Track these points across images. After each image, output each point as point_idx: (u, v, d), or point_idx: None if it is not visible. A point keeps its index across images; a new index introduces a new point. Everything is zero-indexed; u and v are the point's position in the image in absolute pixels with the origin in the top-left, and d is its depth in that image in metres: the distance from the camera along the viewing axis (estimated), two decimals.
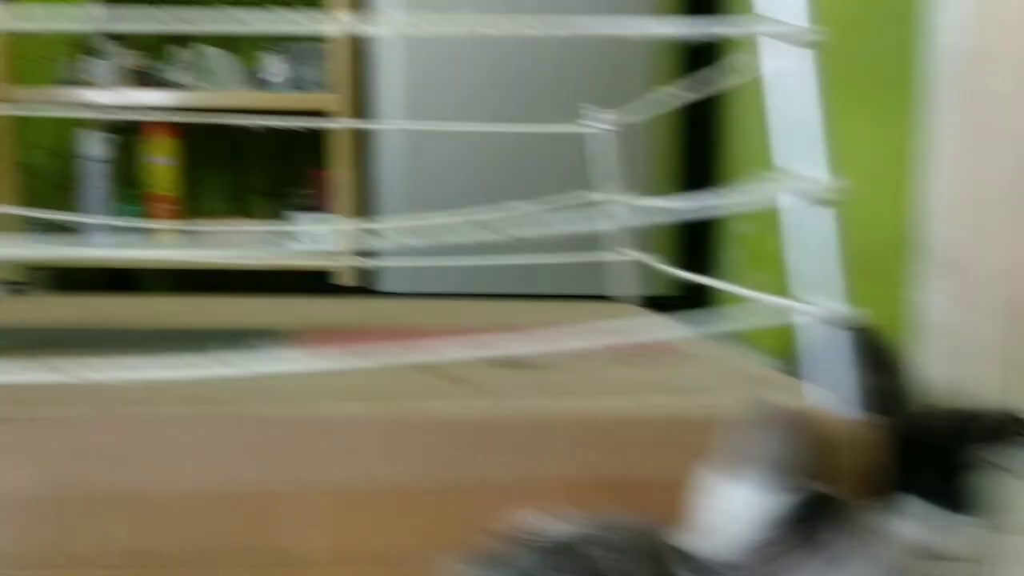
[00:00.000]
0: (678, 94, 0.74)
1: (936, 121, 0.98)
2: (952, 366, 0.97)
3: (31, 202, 1.79)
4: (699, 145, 1.83)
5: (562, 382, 0.56)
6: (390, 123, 1.65)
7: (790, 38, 0.49)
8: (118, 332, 0.77)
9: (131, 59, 1.82)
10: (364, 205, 1.90)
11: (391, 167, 1.69)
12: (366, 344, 0.67)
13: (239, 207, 2.30)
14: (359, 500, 0.45)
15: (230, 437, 0.45)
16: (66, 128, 2.14)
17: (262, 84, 1.86)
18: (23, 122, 1.87)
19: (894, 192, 1.06)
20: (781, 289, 0.62)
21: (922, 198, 0.99)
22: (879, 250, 1.10)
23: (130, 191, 2.00)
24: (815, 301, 0.48)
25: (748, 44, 0.52)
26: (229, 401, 0.48)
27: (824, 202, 0.49)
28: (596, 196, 1.02)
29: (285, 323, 0.82)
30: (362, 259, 1.43)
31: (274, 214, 2.19)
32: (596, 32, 0.48)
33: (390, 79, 1.66)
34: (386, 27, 1.62)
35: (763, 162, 1.66)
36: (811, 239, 0.49)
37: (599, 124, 0.99)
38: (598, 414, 0.48)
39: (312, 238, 1.88)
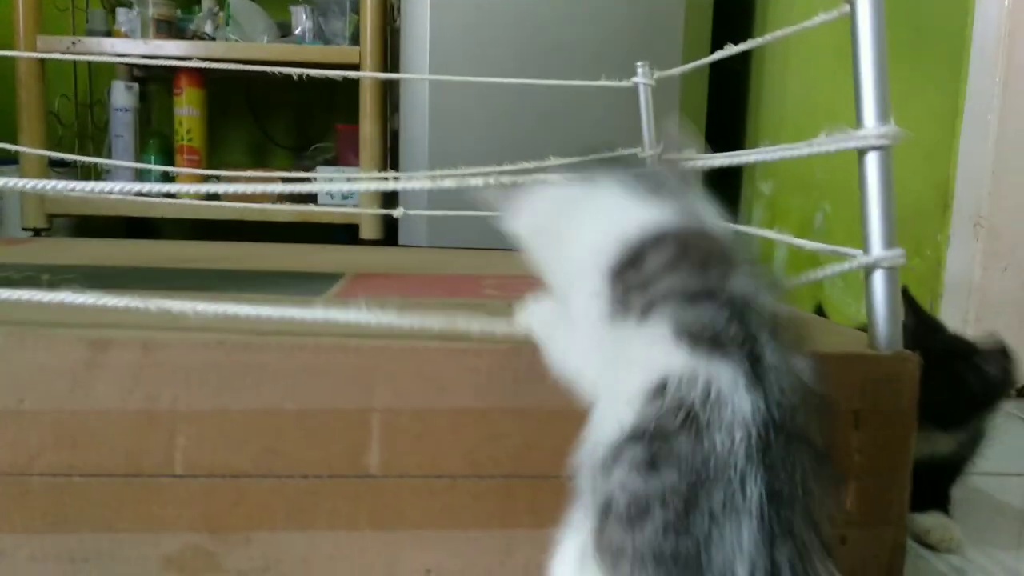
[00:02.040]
0: (708, 54, 0.75)
1: (975, 85, 0.99)
2: (978, 323, 0.99)
3: (58, 151, 1.80)
4: (727, 104, 1.83)
5: None
6: (415, 76, 1.66)
7: None
8: (162, 271, 0.80)
9: (160, 9, 1.82)
10: (387, 160, 1.90)
11: (416, 122, 1.69)
12: (412, 287, 0.69)
13: (261, 160, 2.31)
14: (440, 422, 0.47)
15: (310, 363, 0.47)
16: (94, 78, 2.14)
17: (289, 36, 1.86)
18: (52, 71, 1.87)
19: (936, 152, 1.07)
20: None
21: (960, 160, 1.01)
22: (917, 210, 1.12)
23: (156, 141, 2.01)
24: (874, 247, 0.50)
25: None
26: (303, 332, 0.50)
27: (882, 149, 0.50)
28: (628, 151, 1.03)
29: (324, 266, 0.84)
30: (386, 211, 1.44)
31: (296, 167, 2.20)
32: None
33: (416, 33, 1.66)
34: None
35: (792, 121, 1.66)
36: (870, 186, 0.51)
37: (639, 80, 1.00)
38: None
39: (336, 191, 1.89)
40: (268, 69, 1.06)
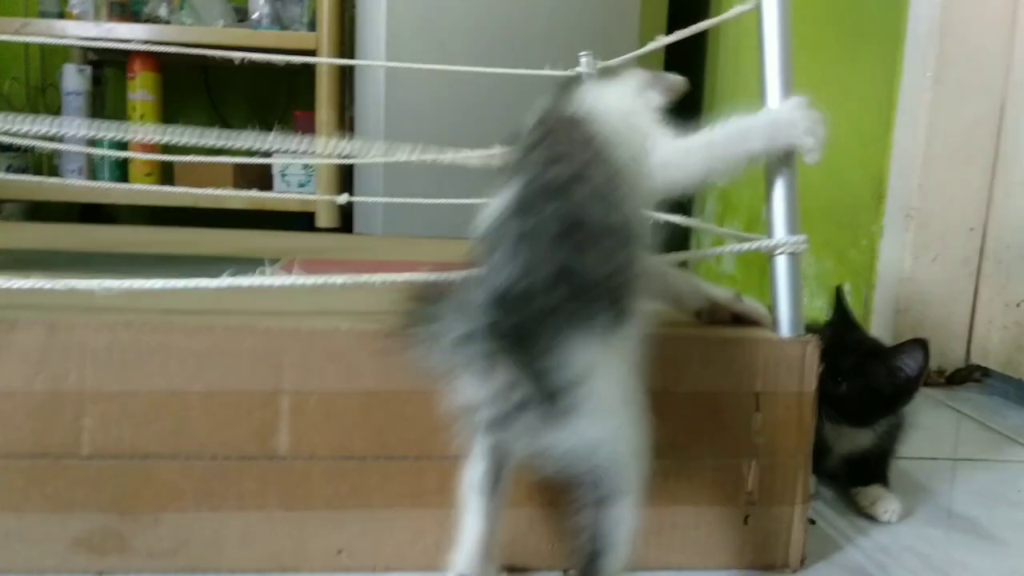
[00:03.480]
0: (662, 38, 0.76)
1: (909, 79, 1.01)
2: (908, 312, 1.02)
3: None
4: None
5: None
6: (371, 62, 1.65)
7: None
8: (97, 255, 0.79)
9: None
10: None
11: (372, 110, 1.69)
12: (344, 270, 0.69)
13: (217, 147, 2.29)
14: (349, 404, 0.48)
15: (218, 344, 0.47)
16: (48, 60, 2.11)
17: (248, 21, 1.84)
18: (3, 53, 1.84)
19: (872, 144, 1.09)
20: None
21: (894, 152, 1.03)
22: (852, 199, 1.14)
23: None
24: (777, 231, 0.52)
25: None
26: (214, 312, 0.50)
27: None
28: None
29: (266, 251, 0.85)
30: (331, 198, 1.44)
31: (253, 154, 2.18)
32: None
33: (372, 18, 1.65)
34: None
35: (745, 105, 1.66)
36: (773, 172, 0.52)
37: (585, 69, 1.01)
38: None
39: (292, 176, 1.89)
40: (219, 54, 1.05)
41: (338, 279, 0.52)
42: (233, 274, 0.50)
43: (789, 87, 0.53)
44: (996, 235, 0.99)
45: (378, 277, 0.52)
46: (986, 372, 1.04)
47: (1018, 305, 0.95)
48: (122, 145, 1.96)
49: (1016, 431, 0.88)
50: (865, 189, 1.10)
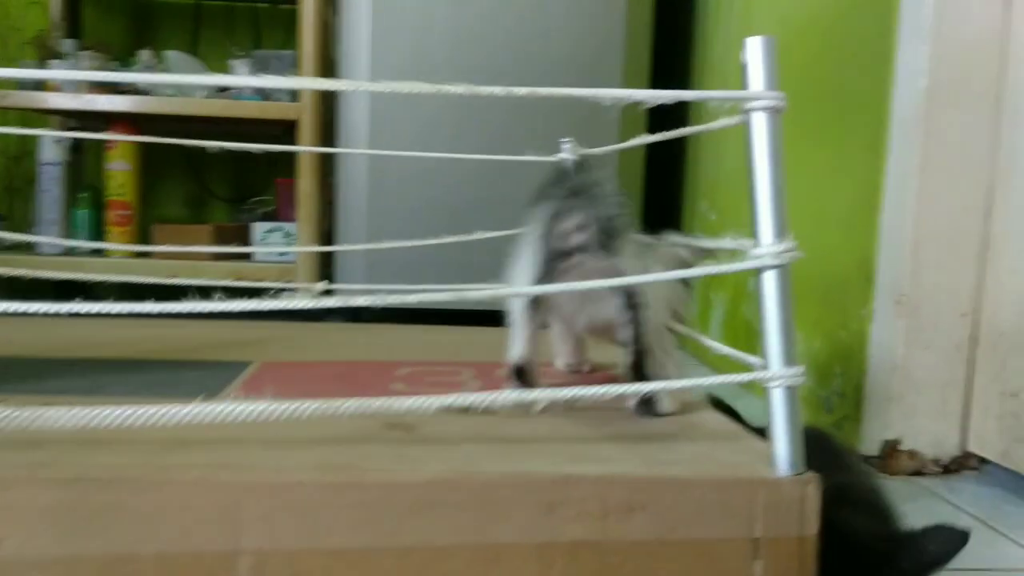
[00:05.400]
0: (644, 135, 0.74)
1: (895, 165, 1.00)
2: (902, 400, 0.99)
3: None
4: (660, 180, 1.85)
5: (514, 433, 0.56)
6: (351, 149, 1.64)
7: (754, 104, 0.50)
8: (53, 362, 0.75)
9: (95, 62, 1.78)
10: (327, 215, 1.88)
11: (355, 181, 1.67)
12: (319, 381, 0.66)
13: (199, 213, 2.27)
14: (314, 564, 0.44)
15: (172, 501, 0.44)
16: (28, 128, 2.08)
17: (229, 92, 1.83)
18: None
19: (859, 227, 1.08)
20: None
21: (881, 235, 1.02)
22: (841, 283, 1.12)
23: (88, 195, 1.95)
24: (773, 364, 0.49)
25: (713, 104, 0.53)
26: (160, 459, 0.47)
27: (779, 267, 0.49)
28: None
29: (236, 347, 0.81)
30: (307, 286, 1.42)
31: (235, 221, 2.16)
32: (581, 96, 0.48)
33: (356, 94, 1.64)
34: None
35: (726, 185, 1.67)
36: (768, 300, 0.50)
37: (569, 155, 0.99)
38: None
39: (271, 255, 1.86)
40: (199, 143, 1.05)
41: (307, 407, 0.49)
42: (205, 397, 0.47)
43: (783, 224, 0.50)
44: (989, 322, 0.97)
45: (351, 403, 0.49)
46: (982, 460, 1.01)
47: (1014, 395, 0.93)
48: (100, 213, 1.93)
49: (1017, 530, 0.84)
50: (853, 271, 1.08)
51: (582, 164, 0.67)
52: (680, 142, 1.82)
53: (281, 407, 0.45)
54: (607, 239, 0.58)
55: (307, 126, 1.76)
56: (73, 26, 2.07)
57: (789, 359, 0.49)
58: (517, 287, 0.61)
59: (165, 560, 0.43)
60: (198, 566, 0.43)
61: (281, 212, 2.03)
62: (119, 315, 0.49)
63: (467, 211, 1.62)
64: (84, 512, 0.43)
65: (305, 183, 1.78)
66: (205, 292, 0.60)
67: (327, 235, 1.90)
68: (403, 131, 1.64)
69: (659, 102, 0.50)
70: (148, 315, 0.52)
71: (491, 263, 0.69)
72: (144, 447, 0.48)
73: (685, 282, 0.77)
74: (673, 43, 1.87)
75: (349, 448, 0.50)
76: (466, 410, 0.49)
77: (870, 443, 1.02)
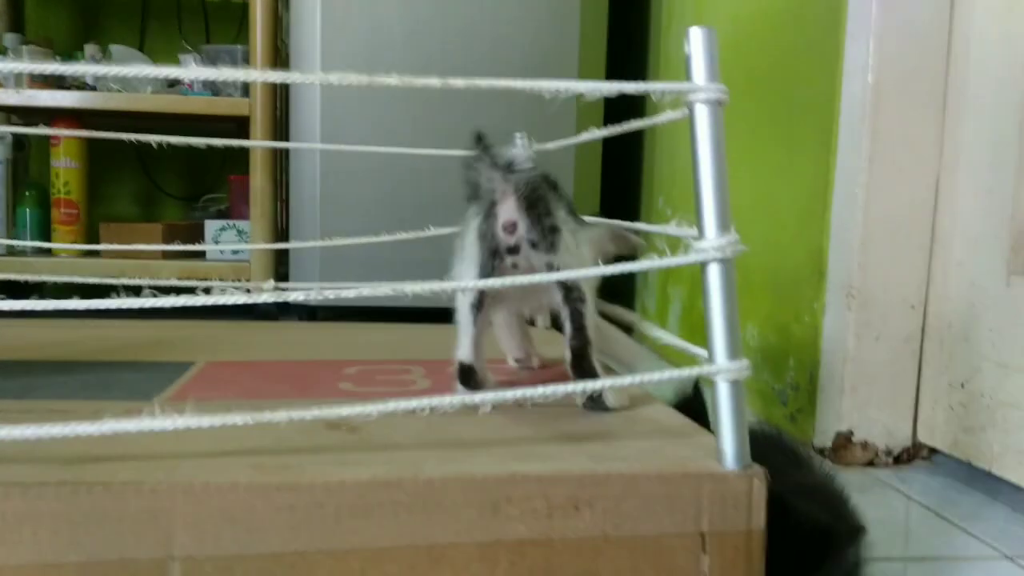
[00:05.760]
0: (597, 129, 0.73)
1: (844, 160, 1.01)
2: (854, 392, 1.00)
3: None
4: (618, 178, 1.85)
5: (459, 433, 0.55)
6: (303, 144, 1.61)
7: (696, 96, 0.49)
8: None
9: (37, 57, 1.73)
10: (279, 213, 1.85)
11: (307, 172, 1.65)
12: (263, 382, 0.65)
13: (150, 211, 2.22)
14: (249, 568, 0.43)
15: (98, 508, 0.42)
16: None
17: (177, 87, 1.79)
18: None
19: (810, 222, 1.09)
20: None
21: (833, 229, 1.02)
22: (794, 277, 1.13)
23: (33, 193, 1.89)
24: (718, 358, 0.49)
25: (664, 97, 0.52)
26: (94, 460, 0.45)
27: (722, 261, 0.49)
28: None
29: (176, 353, 0.79)
30: (256, 284, 1.39)
31: (187, 219, 2.11)
32: (521, 88, 0.47)
33: (307, 90, 1.62)
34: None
35: (682, 180, 1.67)
36: (712, 293, 0.49)
37: (522, 150, 0.99)
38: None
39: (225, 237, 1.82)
40: (147, 138, 1.02)
41: (238, 419, 0.47)
42: (135, 394, 0.45)
43: (726, 217, 0.50)
44: (937, 313, 0.99)
45: (281, 416, 0.47)
46: (933, 450, 1.03)
47: (962, 386, 0.94)
48: (46, 212, 1.87)
49: (968, 519, 0.86)
50: (806, 265, 1.09)
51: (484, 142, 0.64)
52: (638, 139, 1.82)
53: (200, 420, 0.44)
54: (546, 235, 0.59)
55: (259, 122, 1.72)
56: (15, 20, 2.01)
57: (734, 352, 0.49)
58: (457, 283, 0.61)
59: (90, 569, 0.41)
60: (126, 574, 0.42)
61: (235, 210, 1.99)
62: (52, 313, 0.47)
63: (423, 207, 1.61)
64: (4, 521, 0.41)
65: (258, 180, 1.75)
66: (157, 293, 0.58)
67: (283, 233, 1.87)
68: (356, 127, 1.61)
69: (601, 95, 0.49)
70: (83, 313, 0.50)
71: (447, 259, 0.68)
72: (67, 449, 0.46)
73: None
74: (628, 40, 1.88)
75: (287, 449, 0.48)
76: (411, 412, 0.48)
77: (823, 435, 1.02)
